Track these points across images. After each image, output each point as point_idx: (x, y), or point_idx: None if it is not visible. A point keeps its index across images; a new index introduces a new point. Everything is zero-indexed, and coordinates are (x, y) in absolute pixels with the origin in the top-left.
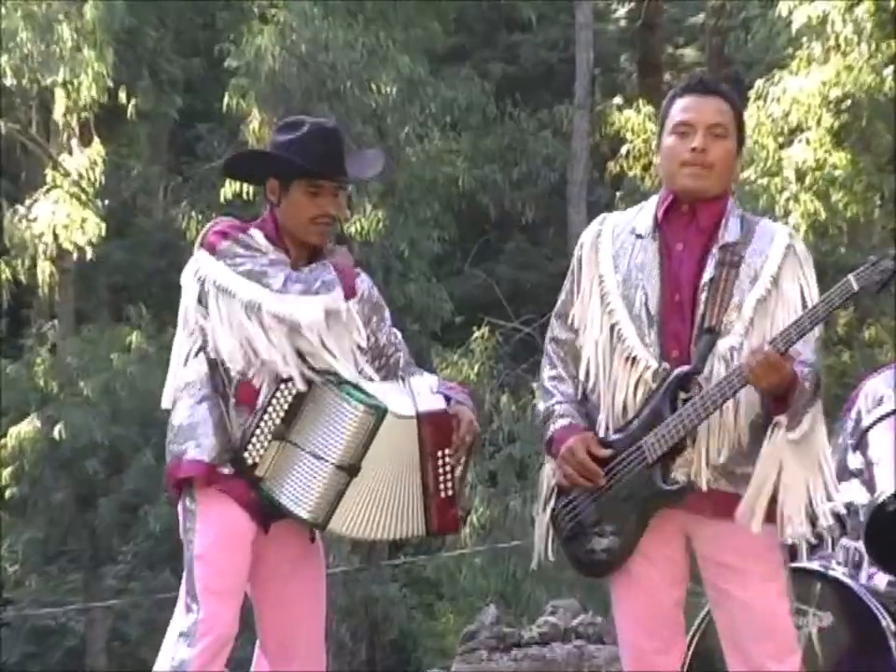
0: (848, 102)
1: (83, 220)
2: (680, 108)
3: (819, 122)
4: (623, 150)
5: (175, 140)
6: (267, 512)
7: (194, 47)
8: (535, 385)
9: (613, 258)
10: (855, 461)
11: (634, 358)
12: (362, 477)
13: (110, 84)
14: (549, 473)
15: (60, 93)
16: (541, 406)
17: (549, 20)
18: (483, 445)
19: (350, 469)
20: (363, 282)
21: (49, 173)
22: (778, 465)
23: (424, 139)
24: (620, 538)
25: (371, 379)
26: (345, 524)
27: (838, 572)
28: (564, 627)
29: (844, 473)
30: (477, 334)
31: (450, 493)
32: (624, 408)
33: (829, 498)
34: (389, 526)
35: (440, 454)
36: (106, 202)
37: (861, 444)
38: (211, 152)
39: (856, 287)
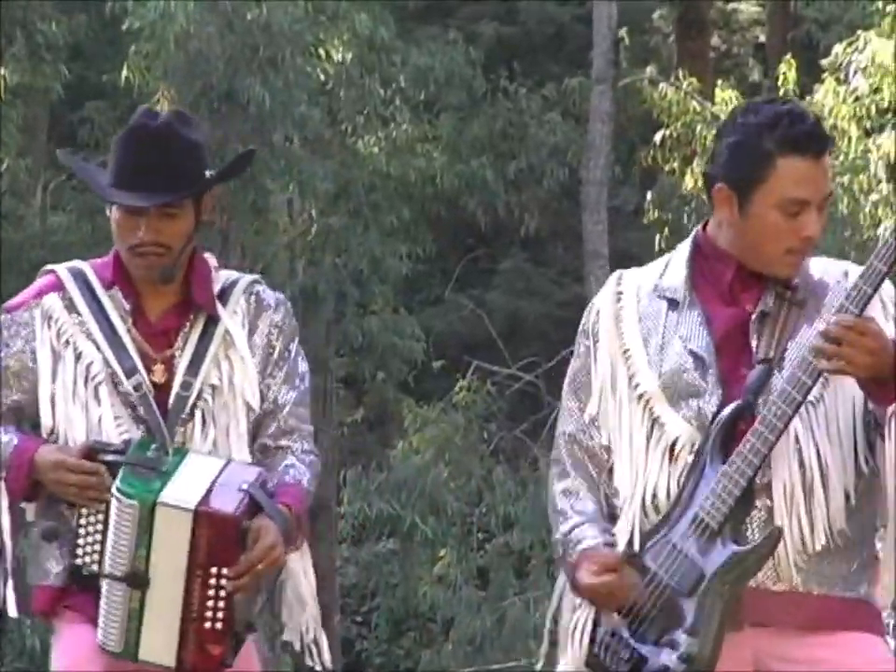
0: None
1: None
2: (794, 180)
3: None
4: (657, 138)
5: (56, 125)
6: None
7: (82, 1)
8: (537, 451)
9: (640, 327)
10: None
11: (673, 446)
12: (154, 589)
13: None
14: (582, 616)
15: None
16: (556, 536)
17: None
18: (470, 533)
19: (134, 580)
20: (267, 303)
21: None
22: None
23: (389, 123)
24: (698, 637)
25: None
26: (149, 650)
27: None
28: None
29: None
30: (462, 384)
31: (218, 626)
32: (664, 496)
33: None
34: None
35: (213, 570)
36: None
37: None
38: (101, 140)
39: None
